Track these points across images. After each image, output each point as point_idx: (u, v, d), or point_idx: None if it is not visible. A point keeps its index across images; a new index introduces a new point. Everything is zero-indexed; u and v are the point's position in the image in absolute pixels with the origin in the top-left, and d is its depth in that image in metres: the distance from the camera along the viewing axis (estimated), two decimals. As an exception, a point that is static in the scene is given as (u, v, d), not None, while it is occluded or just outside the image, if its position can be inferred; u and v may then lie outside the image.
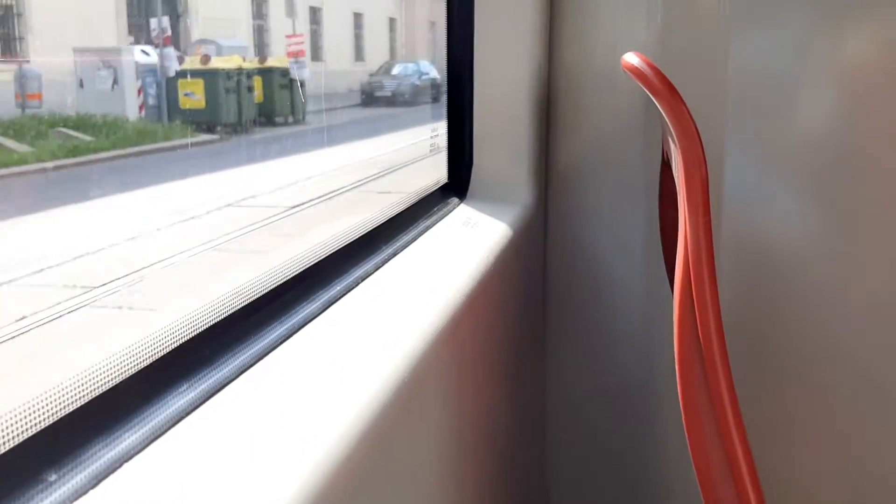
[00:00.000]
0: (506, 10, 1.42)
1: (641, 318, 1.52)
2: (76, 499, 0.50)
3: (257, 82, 4.00)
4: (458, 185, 1.45)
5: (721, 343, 0.75)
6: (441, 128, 1.49)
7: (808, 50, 1.42)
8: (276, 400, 0.70)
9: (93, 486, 0.51)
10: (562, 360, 1.57)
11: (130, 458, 0.55)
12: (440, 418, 0.91)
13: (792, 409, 1.52)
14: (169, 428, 0.60)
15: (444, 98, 1.48)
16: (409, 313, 0.90)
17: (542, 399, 1.58)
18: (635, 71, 0.73)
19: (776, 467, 1.47)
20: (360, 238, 1.14)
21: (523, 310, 1.46)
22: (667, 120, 0.72)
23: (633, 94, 1.44)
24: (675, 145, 0.73)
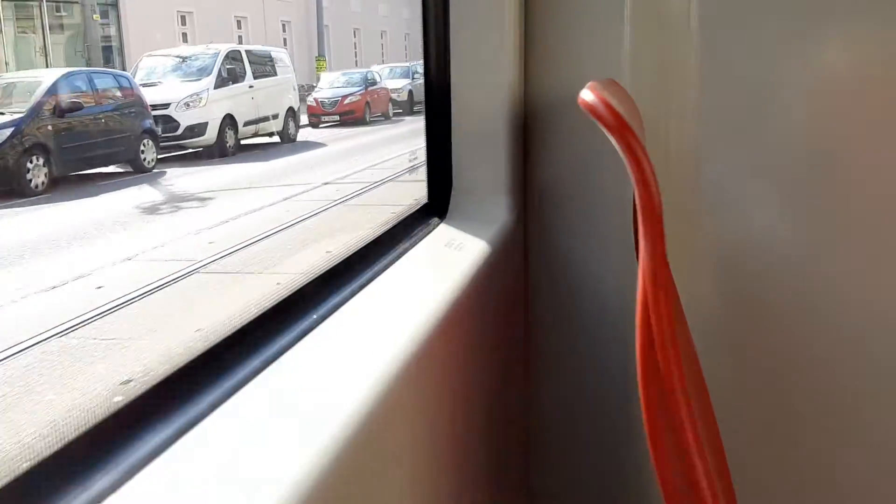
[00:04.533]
0: (480, 33, 1.45)
1: (623, 331, 1.54)
2: None
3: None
4: (438, 205, 1.48)
5: (679, 367, 0.77)
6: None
7: (776, 59, 1.46)
8: (251, 433, 0.73)
9: None
10: (545, 376, 1.60)
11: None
12: (412, 445, 0.93)
13: (772, 408, 1.55)
14: (141, 468, 0.63)
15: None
16: (381, 340, 0.93)
17: (526, 416, 1.61)
18: (589, 108, 0.76)
19: (755, 467, 1.51)
20: (339, 263, 1.17)
21: (504, 327, 1.49)
22: (621, 154, 0.75)
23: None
24: (632, 179, 0.76)
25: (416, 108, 15.08)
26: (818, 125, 1.48)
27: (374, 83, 14.72)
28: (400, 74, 16.26)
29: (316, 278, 1.08)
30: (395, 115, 15.24)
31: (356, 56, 20.07)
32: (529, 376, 1.59)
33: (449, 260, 1.30)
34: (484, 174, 1.47)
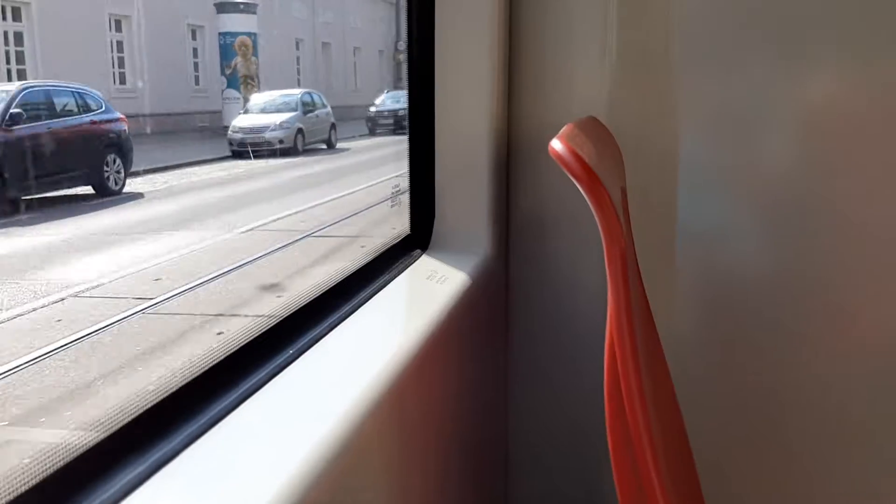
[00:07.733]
0: (465, 67, 1.47)
1: (600, 361, 1.56)
2: None
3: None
4: (420, 236, 1.49)
5: (643, 405, 0.79)
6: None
7: (756, 97, 1.48)
8: (226, 466, 0.74)
9: None
10: (525, 405, 1.61)
11: None
12: (392, 470, 0.94)
13: (749, 437, 1.56)
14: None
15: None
16: (360, 373, 0.93)
17: (506, 443, 1.62)
18: (559, 157, 0.78)
19: (731, 495, 1.52)
20: (320, 295, 1.18)
21: (485, 357, 1.50)
22: (588, 203, 0.77)
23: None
24: (599, 227, 0.78)
25: None
26: (798, 161, 1.50)
27: None
28: None
29: (295, 311, 1.09)
30: None
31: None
32: (508, 405, 1.61)
33: (430, 292, 1.31)
34: (466, 206, 1.49)
